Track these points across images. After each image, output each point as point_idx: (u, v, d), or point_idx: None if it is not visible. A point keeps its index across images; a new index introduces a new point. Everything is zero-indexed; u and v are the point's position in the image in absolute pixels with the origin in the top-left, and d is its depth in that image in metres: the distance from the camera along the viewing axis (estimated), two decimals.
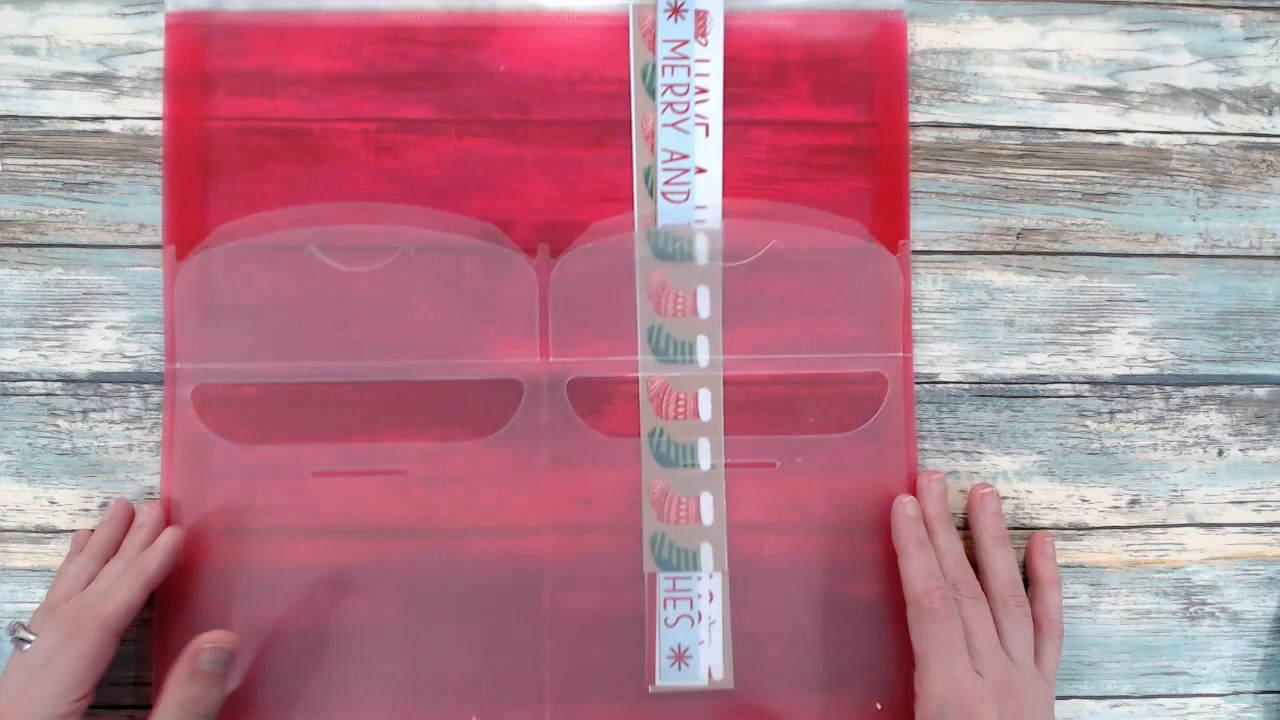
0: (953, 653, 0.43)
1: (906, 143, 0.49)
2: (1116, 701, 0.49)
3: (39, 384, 0.48)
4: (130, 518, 0.47)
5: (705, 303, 0.48)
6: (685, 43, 0.49)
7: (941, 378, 0.50)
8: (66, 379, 0.48)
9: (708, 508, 0.48)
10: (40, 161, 0.48)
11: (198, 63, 0.48)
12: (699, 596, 0.47)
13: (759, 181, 0.49)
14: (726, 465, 0.48)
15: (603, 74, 0.49)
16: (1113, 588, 0.49)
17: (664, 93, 0.49)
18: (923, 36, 0.50)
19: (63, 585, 0.44)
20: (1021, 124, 0.50)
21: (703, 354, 0.48)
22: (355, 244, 0.48)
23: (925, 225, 0.50)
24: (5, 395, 0.48)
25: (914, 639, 0.45)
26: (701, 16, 0.49)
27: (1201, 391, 0.50)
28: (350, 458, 0.47)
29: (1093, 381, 0.50)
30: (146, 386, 0.48)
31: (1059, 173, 0.50)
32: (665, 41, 0.49)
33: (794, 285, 0.49)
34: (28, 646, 0.42)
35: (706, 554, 0.47)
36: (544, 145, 0.49)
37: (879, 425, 0.48)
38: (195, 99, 0.48)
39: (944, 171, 0.50)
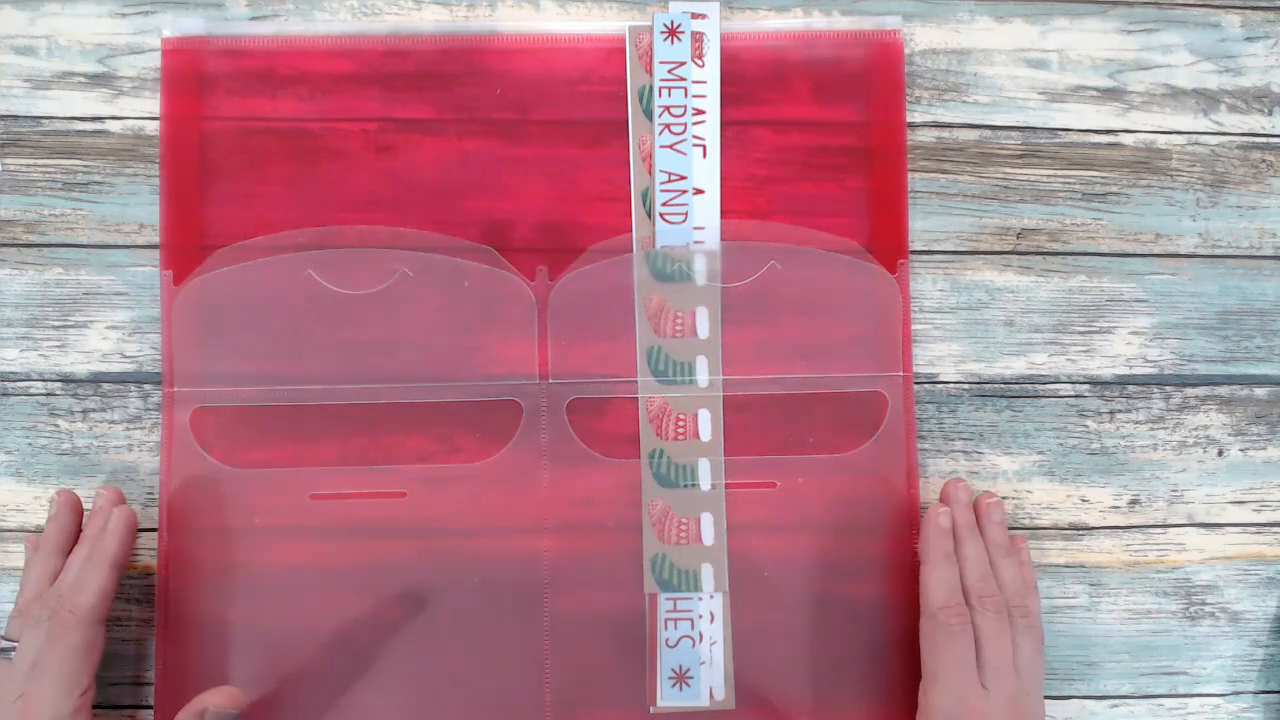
0: (963, 669, 0.43)
1: (904, 160, 0.49)
2: (1116, 701, 0.49)
3: (39, 384, 0.48)
4: (76, 507, 0.46)
5: (704, 323, 0.48)
6: (682, 64, 0.49)
7: (941, 378, 0.49)
8: (66, 379, 0.48)
9: (708, 528, 0.48)
10: (40, 161, 0.48)
11: (197, 63, 0.48)
12: (700, 617, 0.47)
13: (759, 181, 0.49)
14: (727, 486, 0.48)
15: (602, 74, 0.49)
16: (1113, 588, 0.49)
17: (661, 114, 0.49)
18: (922, 36, 0.50)
19: (29, 587, 0.44)
20: (1021, 124, 0.50)
21: (702, 374, 0.48)
22: (353, 265, 0.48)
23: (925, 225, 0.50)
24: (5, 395, 0.48)
25: (925, 651, 0.44)
26: (698, 38, 0.49)
27: (1201, 391, 0.50)
28: (348, 480, 0.47)
29: (1093, 381, 0.50)
30: (146, 386, 0.48)
31: (1059, 173, 0.50)
32: (662, 63, 0.49)
33: (793, 306, 0.48)
34: (12, 654, 0.42)
35: (707, 574, 0.47)
36: (544, 145, 0.49)
37: (880, 445, 0.48)
38: (194, 99, 0.48)
39: (944, 171, 0.50)
